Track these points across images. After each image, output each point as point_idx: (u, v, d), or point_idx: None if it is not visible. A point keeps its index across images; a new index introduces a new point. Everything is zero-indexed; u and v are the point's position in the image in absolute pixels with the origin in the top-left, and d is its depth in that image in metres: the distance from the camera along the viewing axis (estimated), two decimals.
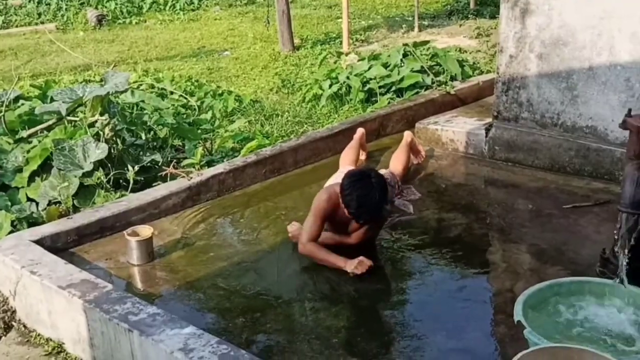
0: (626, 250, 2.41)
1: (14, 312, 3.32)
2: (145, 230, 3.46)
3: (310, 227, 3.32)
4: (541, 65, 4.35)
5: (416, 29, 9.21)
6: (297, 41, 8.75)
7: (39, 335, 3.19)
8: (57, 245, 3.48)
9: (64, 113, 4.38)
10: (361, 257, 3.17)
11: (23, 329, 3.26)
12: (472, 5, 10.33)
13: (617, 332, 2.38)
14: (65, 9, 12.41)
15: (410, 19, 9.73)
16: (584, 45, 4.13)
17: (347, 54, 7.38)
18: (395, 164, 4.23)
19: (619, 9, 3.94)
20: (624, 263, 2.44)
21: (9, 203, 3.94)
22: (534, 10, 4.27)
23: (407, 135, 4.50)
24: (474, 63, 6.60)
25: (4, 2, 12.97)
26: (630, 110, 2.79)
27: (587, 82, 4.18)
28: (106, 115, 4.23)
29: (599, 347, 2.21)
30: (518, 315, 2.36)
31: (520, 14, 4.34)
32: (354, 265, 3.15)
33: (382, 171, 4.09)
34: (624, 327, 2.38)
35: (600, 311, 2.45)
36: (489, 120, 4.74)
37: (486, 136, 4.64)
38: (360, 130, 4.58)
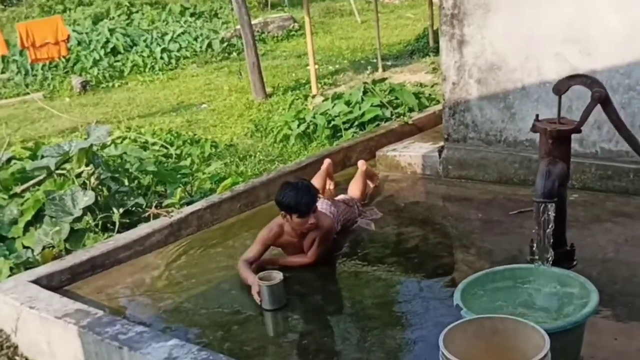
0: (543, 235, 2.72)
1: (16, 347, 3.56)
2: (275, 275, 3.39)
3: (250, 250, 3.74)
4: (481, 89, 4.73)
5: (380, 70, 9.69)
6: (269, 89, 9.19)
7: None
8: (52, 284, 3.74)
9: (52, 167, 4.69)
10: (255, 288, 3.39)
11: None
12: (431, 44, 10.86)
13: (541, 305, 2.68)
14: (51, 78, 12.88)
15: (375, 61, 10.22)
16: (515, 68, 4.52)
17: (313, 97, 7.79)
18: (352, 189, 4.55)
19: (540, 33, 4.35)
20: (544, 247, 2.75)
21: (7, 252, 4.22)
22: (469, 40, 4.68)
23: (361, 164, 4.82)
24: (429, 95, 7.01)
25: None
26: (537, 115, 3.15)
27: (522, 100, 4.56)
28: (91, 166, 4.55)
29: (524, 317, 2.50)
30: (457, 300, 2.65)
31: (457, 45, 4.74)
32: (253, 290, 3.43)
33: (342, 196, 4.43)
34: (546, 301, 2.69)
35: (527, 291, 2.75)
36: (442, 143, 5.10)
37: (439, 157, 4.99)
38: (327, 161, 4.88)
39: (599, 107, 2.99)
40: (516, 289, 2.78)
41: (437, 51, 10.96)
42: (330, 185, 4.86)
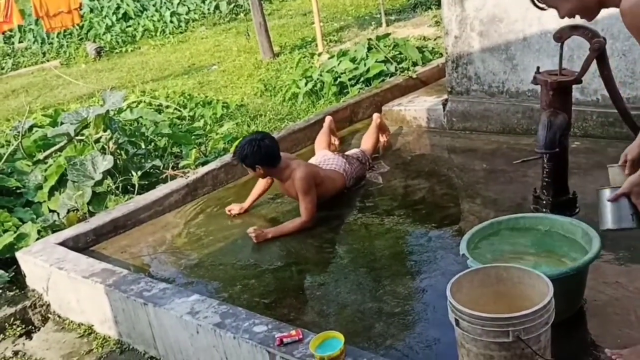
0: (549, 183, 2.68)
1: (48, 305, 3.63)
2: None
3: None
4: (482, 42, 4.61)
5: (384, 25, 9.46)
6: (276, 49, 9.03)
7: (71, 322, 3.49)
8: (79, 246, 3.78)
9: (72, 134, 4.67)
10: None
11: (58, 318, 3.56)
12: None
13: (545, 252, 2.65)
14: (67, 46, 12.76)
15: (378, 16, 9.98)
16: (516, 19, 4.40)
17: (319, 54, 7.66)
18: (366, 142, 4.52)
19: None
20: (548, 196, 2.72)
21: (34, 216, 4.24)
22: None
23: (376, 117, 4.77)
24: (433, 48, 6.86)
25: (12, 45, 13.30)
26: (538, 67, 3.06)
27: (524, 51, 4.44)
28: (109, 131, 4.53)
29: (526, 263, 2.49)
30: (463, 249, 2.63)
31: None
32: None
33: (354, 150, 4.40)
34: (549, 248, 2.66)
35: (531, 238, 2.73)
36: (446, 96, 5.02)
37: (444, 110, 4.91)
38: (328, 118, 4.84)
39: None
40: (521, 237, 2.76)
41: (439, 4, 10.68)
42: (335, 141, 4.83)
